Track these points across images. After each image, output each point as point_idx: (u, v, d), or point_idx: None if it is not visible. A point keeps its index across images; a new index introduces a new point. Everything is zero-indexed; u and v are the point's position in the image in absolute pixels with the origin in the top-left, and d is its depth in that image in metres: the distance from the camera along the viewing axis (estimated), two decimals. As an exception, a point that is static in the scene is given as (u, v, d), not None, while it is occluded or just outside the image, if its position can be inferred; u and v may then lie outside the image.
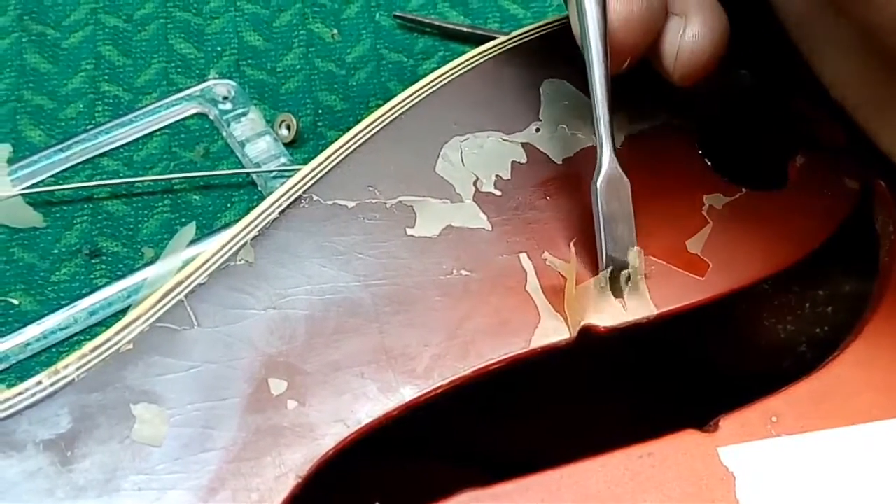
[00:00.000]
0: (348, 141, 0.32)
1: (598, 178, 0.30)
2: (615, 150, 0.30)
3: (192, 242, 0.42)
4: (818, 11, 0.31)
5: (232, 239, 0.29)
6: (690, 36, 0.30)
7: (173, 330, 0.28)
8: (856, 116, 0.32)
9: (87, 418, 0.26)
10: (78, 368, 0.27)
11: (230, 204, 0.43)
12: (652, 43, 0.31)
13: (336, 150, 0.31)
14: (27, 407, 0.26)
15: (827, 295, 0.39)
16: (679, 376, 0.37)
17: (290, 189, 0.30)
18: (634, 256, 0.30)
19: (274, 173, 0.43)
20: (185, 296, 0.28)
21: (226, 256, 0.29)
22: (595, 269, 0.30)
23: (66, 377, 0.26)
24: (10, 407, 0.26)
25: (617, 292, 0.30)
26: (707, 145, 0.34)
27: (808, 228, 0.33)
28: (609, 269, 0.30)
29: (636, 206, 0.31)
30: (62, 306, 0.40)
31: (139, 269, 0.41)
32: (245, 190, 0.43)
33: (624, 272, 0.30)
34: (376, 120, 0.32)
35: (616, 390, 0.36)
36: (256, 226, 0.30)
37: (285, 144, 0.44)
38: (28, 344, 0.39)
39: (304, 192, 0.30)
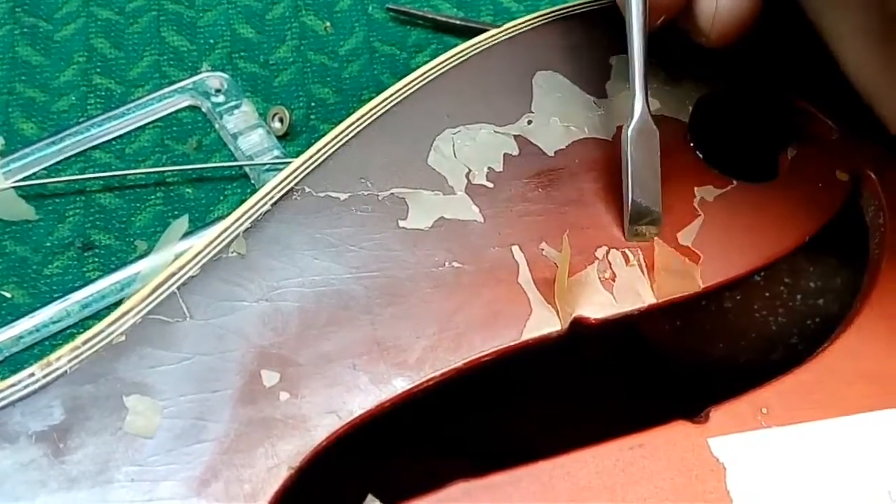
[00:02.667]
0: (340, 133, 0.32)
1: (629, 127, 0.31)
2: (647, 101, 0.31)
3: (185, 235, 0.42)
4: None
5: (224, 231, 0.29)
6: None
7: (166, 322, 0.28)
8: (862, 84, 0.32)
9: (79, 410, 0.26)
10: (70, 360, 0.27)
11: (223, 197, 0.43)
12: (689, 1, 0.31)
13: (328, 143, 0.31)
14: (20, 399, 0.26)
15: (818, 287, 0.39)
16: (669, 368, 0.37)
17: (282, 181, 0.30)
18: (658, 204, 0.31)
19: (267, 166, 0.43)
20: (178, 288, 0.28)
21: (218, 248, 0.29)
22: (588, 260, 0.31)
23: (58, 369, 0.26)
24: (2, 399, 0.26)
25: (638, 238, 0.31)
26: (698, 137, 0.34)
27: (799, 220, 0.33)
28: (634, 214, 0.31)
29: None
30: (55, 299, 0.40)
31: (132, 261, 0.41)
32: (238, 183, 0.43)
33: (646, 220, 0.31)
34: (368, 112, 0.32)
35: (607, 381, 0.36)
36: (249, 218, 0.30)
37: (278, 137, 0.44)
38: (20, 337, 0.39)
39: (296, 185, 0.30)
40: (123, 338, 0.27)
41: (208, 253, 0.29)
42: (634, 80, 0.31)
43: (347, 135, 0.32)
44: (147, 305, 0.28)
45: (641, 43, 0.31)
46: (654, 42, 0.32)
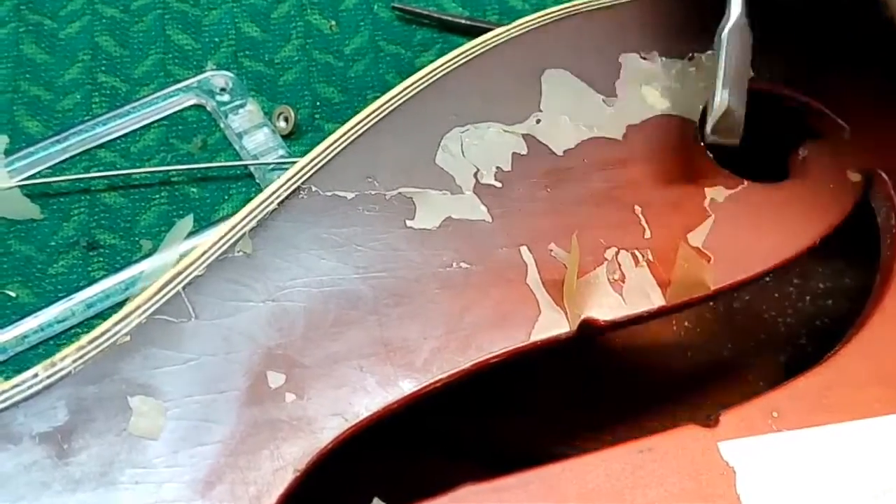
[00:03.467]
0: (347, 132, 0.31)
1: (725, 27, 0.31)
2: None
3: (190, 235, 0.41)
4: None
5: (230, 230, 0.29)
6: None
7: (171, 322, 0.27)
8: None
9: (83, 411, 0.26)
10: (75, 361, 0.26)
11: (228, 196, 0.42)
12: None
13: (335, 141, 0.31)
14: (23, 399, 0.26)
15: (827, 288, 0.38)
16: (679, 370, 0.37)
17: (288, 180, 0.30)
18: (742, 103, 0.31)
19: (272, 165, 0.43)
20: (183, 288, 0.28)
21: (224, 248, 0.29)
22: (597, 261, 0.30)
23: (62, 369, 0.26)
24: (6, 399, 0.26)
25: (720, 134, 0.31)
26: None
27: (810, 221, 0.33)
28: (721, 112, 0.31)
29: (637, 198, 0.31)
30: (59, 299, 0.39)
31: (137, 261, 0.41)
32: (243, 182, 0.43)
33: (729, 121, 0.31)
34: (375, 110, 0.32)
35: (616, 384, 0.36)
36: (255, 217, 0.29)
37: (283, 136, 0.44)
38: (25, 336, 0.39)
39: (302, 184, 0.30)
40: (128, 338, 0.27)
41: (214, 252, 0.29)
42: None
43: (354, 133, 0.31)
44: (152, 305, 0.28)
45: None
46: (664, 43, 0.32)
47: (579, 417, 0.33)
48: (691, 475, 0.27)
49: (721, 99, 0.30)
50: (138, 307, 0.27)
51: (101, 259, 0.41)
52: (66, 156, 0.43)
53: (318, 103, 0.45)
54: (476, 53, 0.34)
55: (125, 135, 0.44)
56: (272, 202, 0.30)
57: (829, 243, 0.34)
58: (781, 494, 0.27)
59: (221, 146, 0.44)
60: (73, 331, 0.39)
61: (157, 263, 0.40)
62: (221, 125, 0.44)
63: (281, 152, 0.44)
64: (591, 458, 0.27)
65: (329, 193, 0.30)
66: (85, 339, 0.27)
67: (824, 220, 0.33)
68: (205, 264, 0.28)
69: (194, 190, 0.42)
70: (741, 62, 0.31)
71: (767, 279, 0.39)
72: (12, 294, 0.39)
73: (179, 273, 0.28)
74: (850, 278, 0.38)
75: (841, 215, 0.33)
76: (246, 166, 0.43)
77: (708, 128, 0.31)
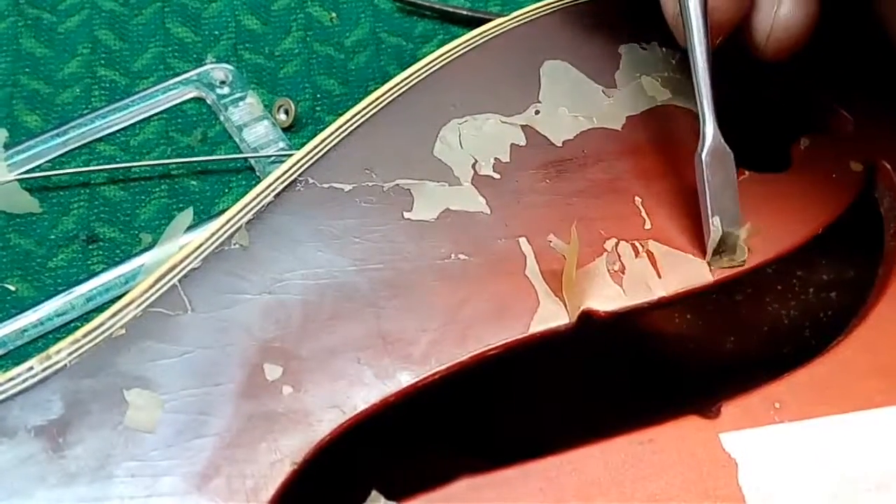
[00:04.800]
0: (345, 123, 0.31)
1: (702, 151, 0.31)
2: (717, 123, 0.31)
3: (190, 228, 0.41)
4: None
5: (226, 223, 0.29)
6: (784, 13, 0.31)
7: (167, 315, 0.27)
8: None
9: (79, 404, 0.26)
10: (70, 354, 0.26)
11: (228, 189, 0.42)
12: (745, 19, 0.31)
13: (332, 133, 0.31)
14: (18, 392, 0.26)
15: (831, 280, 0.38)
16: (680, 362, 0.37)
17: (285, 172, 0.30)
18: (745, 231, 0.31)
19: (272, 158, 0.43)
20: (179, 280, 0.28)
21: (220, 240, 0.29)
22: (597, 252, 0.30)
23: (58, 362, 0.26)
24: (1, 393, 0.26)
25: (720, 262, 0.31)
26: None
27: (812, 211, 0.32)
28: (717, 240, 0.30)
29: (637, 188, 0.31)
30: (59, 292, 0.39)
31: (136, 254, 0.41)
32: (243, 175, 0.43)
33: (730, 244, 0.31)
34: (373, 102, 0.32)
35: (617, 376, 0.36)
36: (251, 209, 0.29)
37: (283, 129, 0.44)
38: (25, 330, 0.38)
39: (299, 176, 0.30)
40: (124, 331, 0.27)
41: (210, 245, 0.28)
42: (703, 103, 0.31)
43: (352, 125, 0.31)
44: (148, 298, 0.27)
45: (706, 66, 0.31)
46: (664, 34, 0.32)
47: (579, 410, 0.33)
48: (692, 467, 0.27)
49: (715, 227, 0.30)
50: (133, 300, 0.27)
51: (101, 252, 0.41)
52: (66, 149, 0.43)
53: (318, 96, 0.45)
54: (475, 44, 0.33)
55: (125, 128, 0.43)
56: (269, 195, 0.29)
57: (833, 235, 0.33)
58: (783, 486, 0.27)
59: (221, 139, 0.44)
60: (72, 324, 0.39)
61: (157, 257, 0.40)
62: (221, 118, 0.44)
63: (281, 145, 0.43)
64: (590, 450, 0.27)
65: (326, 185, 0.30)
66: (80, 332, 0.26)
67: (826, 210, 0.33)
68: (201, 257, 0.28)
69: (194, 183, 0.42)
70: (726, 182, 0.31)
71: (770, 271, 0.38)
72: (12, 288, 0.39)
73: (175, 266, 0.28)
74: (854, 270, 0.37)
75: (843, 205, 0.33)
76: (246, 159, 0.43)
77: (708, 257, 0.31)
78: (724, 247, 0.31)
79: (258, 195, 0.29)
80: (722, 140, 0.31)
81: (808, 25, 0.31)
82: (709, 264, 0.31)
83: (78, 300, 0.39)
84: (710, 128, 0.31)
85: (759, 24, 0.31)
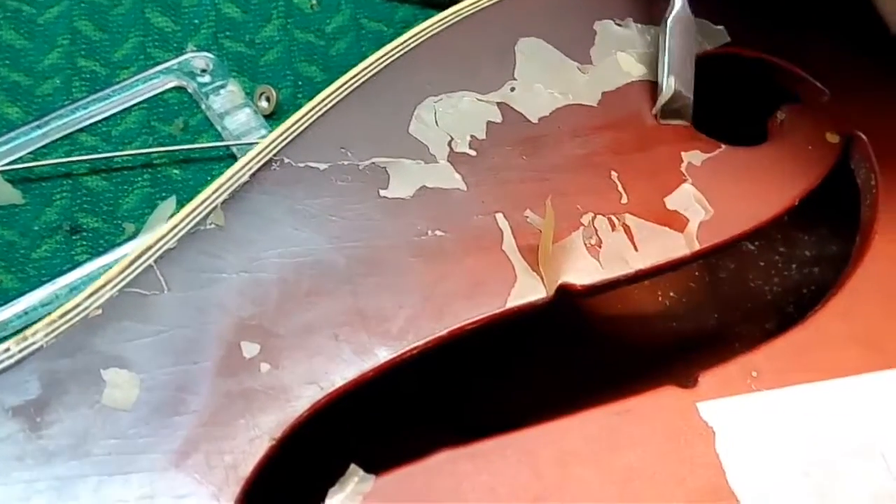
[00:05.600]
0: (320, 103, 0.31)
1: (669, 17, 0.33)
2: None
3: (173, 217, 0.41)
4: None
5: (201, 203, 0.29)
6: None
7: (143, 295, 0.27)
8: None
9: (56, 384, 0.26)
10: (46, 335, 0.26)
11: (210, 177, 0.42)
12: None
13: (307, 112, 0.31)
14: (-5, 374, 0.26)
15: (813, 255, 0.38)
16: (665, 340, 0.37)
17: (260, 152, 0.30)
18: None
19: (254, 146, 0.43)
20: (155, 261, 0.28)
21: (195, 220, 0.29)
22: (573, 226, 0.30)
23: (34, 343, 0.26)
24: (-22, 374, 0.26)
25: (669, 117, 0.33)
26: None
27: (788, 182, 0.33)
28: (668, 97, 0.33)
29: (613, 163, 0.31)
30: (43, 283, 0.39)
31: (120, 244, 0.41)
32: (225, 163, 0.43)
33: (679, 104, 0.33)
34: (348, 81, 0.32)
35: (599, 354, 0.36)
36: (227, 189, 0.29)
37: (265, 116, 0.44)
38: (9, 321, 0.38)
39: (275, 155, 0.30)
40: (100, 311, 0.27)
41: (185, 225, 0.28)
42: None
43: (327, 104, 0.31)
44: (124, 279, 0.27)
45: None
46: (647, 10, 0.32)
47: (558, 386, 0.33)
48: (670, 436, 0.27)
49: (667, 84, 0.33)
50: (109, 281, 0.27)
51: (85, 243, 0.41)
52: (47, 140, 0.43)
53: (299, 83, 0.45)
54: (450, 23, 0.33)
55: (106, 118, 0.43)
56: (244, 174, 0.30)
57: (814, 211, 0.33)
58: (761, 454, 0.27)
59: (203, 127, 0.44)
60: (55, 312, 0.39)
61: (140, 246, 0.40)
62: (203, 106, 0.44)
63: (263, 132, 0.43)
64: (567, 422, 0.27)
65: (302, 165, 0.30)
66: (56, 313, 0.27)
67: (803, 181, 0.33)
68: (177, 237, 0.28)
69: (176, 172, 0.42)
70: (685, 49, 0.33)
71: (752, 247, 0.38)
72: (-5, 279, 0.39)
73: (151, 247, 0.28)
74: (836, 245, 0.38)
75: (819, 176, 0.33)
76: (228, 147, 0.43)
77: (656, 110, 0.33)
78: (675, 106, 0.33)
79: (233, 175, 0.30)
80: (689, 9, 0.33)
81: None
82: (655, 116, 0.33)
83: (62, 291, 0.39)
84: None
85: None
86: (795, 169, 0.33)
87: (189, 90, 0.44)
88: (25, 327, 0.38)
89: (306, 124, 0.31)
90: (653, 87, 0.34)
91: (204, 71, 0.45)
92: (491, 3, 0.34)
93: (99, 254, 0.40)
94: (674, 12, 0.33)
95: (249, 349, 0.27)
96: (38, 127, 0.43)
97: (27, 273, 0.40)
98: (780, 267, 0.38)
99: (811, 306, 0.33)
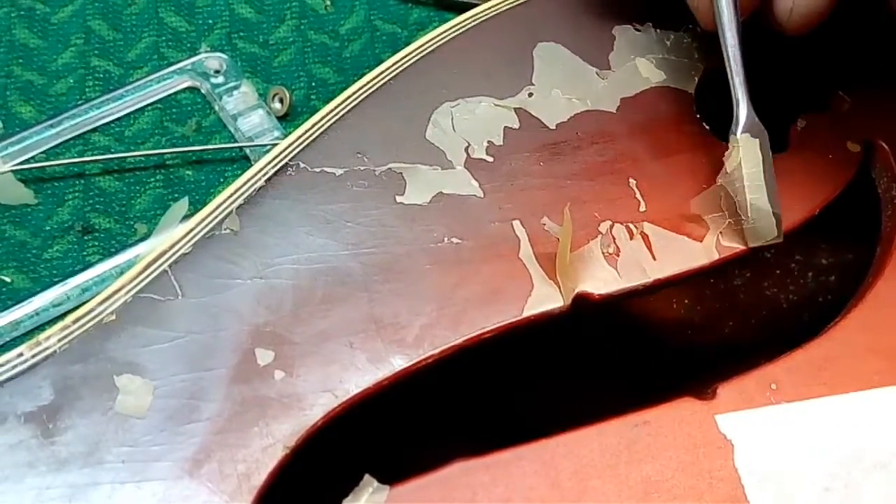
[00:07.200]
0: (336, 107, 0.31)
1: (738, 132, 0.30)
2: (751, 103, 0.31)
3: (185, 218, 0.41)
4: None
5: (217, 208, 0.29)
6: None
7: (157, 300, 0.27)
8: None
9: (69, 390, 0.25)
10: (60, 340, 0.26)
11: (223, 179, 0.42)
12: None
13: (324, 117, 0.31)
14: (8, 379, 0.25)
15: (830, 264, 0.38)
16: (679, 347, 0.37)
17: (276, 157, 0.30)
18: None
19: (267, 147, 0.42)
20: (170, 266, 0.28)
21: (210, 225, 0.28)
22: (591, 234, 0.30)
23: (47, 349, 0.26)
24: (-9, 379, 0.25)
25: (750, 241, 0.31)
26: (706, 109, 0.33)
27: (809, 192, 0.32)
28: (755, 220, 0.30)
29: (632, 171, 0.30)
30: (54, 283, 0.39)
31: (132, 245, 0.40)
32: (238, 164, 0.43)
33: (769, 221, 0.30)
34: (364, 86, 0.31)
35: (612, 358, 0.35)
36: (242, 194, 0.29)
37: (278, 118, 0.44)
38: (20, 322, 0.38)
39: (290, 160, 0.30)
40: (114, 317, 0.27)
41: (201, 230, 0.28)
42: (735, 85, 0.31)
43: (343, 109, 0.31)
44: (138, 284, 0.27)
45: (737, 47, 0.31)
46: (658, 14, 0.32)
47: (576, 396, 0.33)
48: (688, 449, 0.27)
49: (753, 208, 0.30)
50: (124, 286, 0.27)
51: (96, 243, 0.40)
52: (60, 140, 0.42)
53: (313, 84, 0.45)
54: (467, 27, 0.33)
55: (119, 118, 0.43)
56: (260, 179, 0.29)
57: (833, 218, 0.33)
58: (780, 468, 0.27)
59: (216, 128, 0.44)
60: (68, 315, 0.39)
61: (153, 247, 0.40)
62: (216, 107, 0.44)
63: (276, 134, 0.43)
64: (585, 433, 0.27)
65: (318, 170, 0.30)
66: (69, 318, 0.26)
67: (823, 190, 0.32)
68: (191, 242, 0.28)
69: (189, 173, 0.42)
70: (764, 161, 0.30)
71: (768, 255, 0.38)
72: (7, 279, 0.39)
73: (166, 251, 0.28)
74: (854, 254, 0.37)
75: (840, 186, 0.32)
76: (241, 148, 0.43)
77: (748, 239, 0.30)
78: (760, 224, 0.30)
79: (249, 180, 0.29)
80: (757, 120, 0.31)
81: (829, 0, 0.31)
82: (746, 242, 0.31)
83: (73, 291, 0.39)
84: (744, 108, 0.30)
85: (781, 1, 0.31)
86: (816, 178, 0.32)
87: (202, 91, 0.44)
88: (37, 327, 0.38)
89: (322, 129, 0.30)
90: (672, 92, 0.33)
91: (217, 72, 0.44)
92: (509, 7, 0.34)
93: (111, 254, 0.40)
94: (741, 125, 0.31)
95: (264, 356, 0.27)
96: (51, 126, 0.42)
97: (39, 273, 0.40)
98: (797, 275, 0.38)
99: (827, 315, 0.32)
